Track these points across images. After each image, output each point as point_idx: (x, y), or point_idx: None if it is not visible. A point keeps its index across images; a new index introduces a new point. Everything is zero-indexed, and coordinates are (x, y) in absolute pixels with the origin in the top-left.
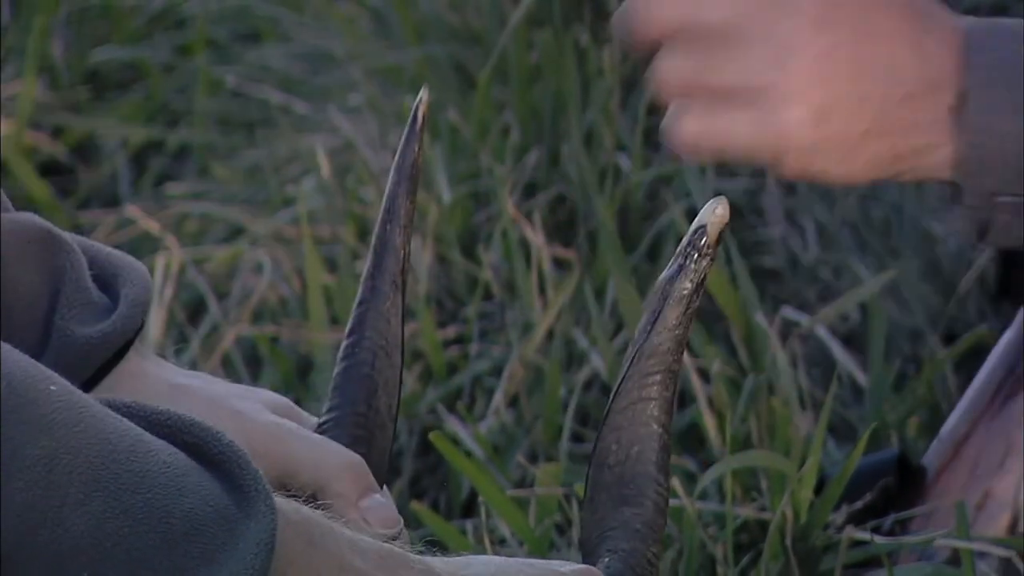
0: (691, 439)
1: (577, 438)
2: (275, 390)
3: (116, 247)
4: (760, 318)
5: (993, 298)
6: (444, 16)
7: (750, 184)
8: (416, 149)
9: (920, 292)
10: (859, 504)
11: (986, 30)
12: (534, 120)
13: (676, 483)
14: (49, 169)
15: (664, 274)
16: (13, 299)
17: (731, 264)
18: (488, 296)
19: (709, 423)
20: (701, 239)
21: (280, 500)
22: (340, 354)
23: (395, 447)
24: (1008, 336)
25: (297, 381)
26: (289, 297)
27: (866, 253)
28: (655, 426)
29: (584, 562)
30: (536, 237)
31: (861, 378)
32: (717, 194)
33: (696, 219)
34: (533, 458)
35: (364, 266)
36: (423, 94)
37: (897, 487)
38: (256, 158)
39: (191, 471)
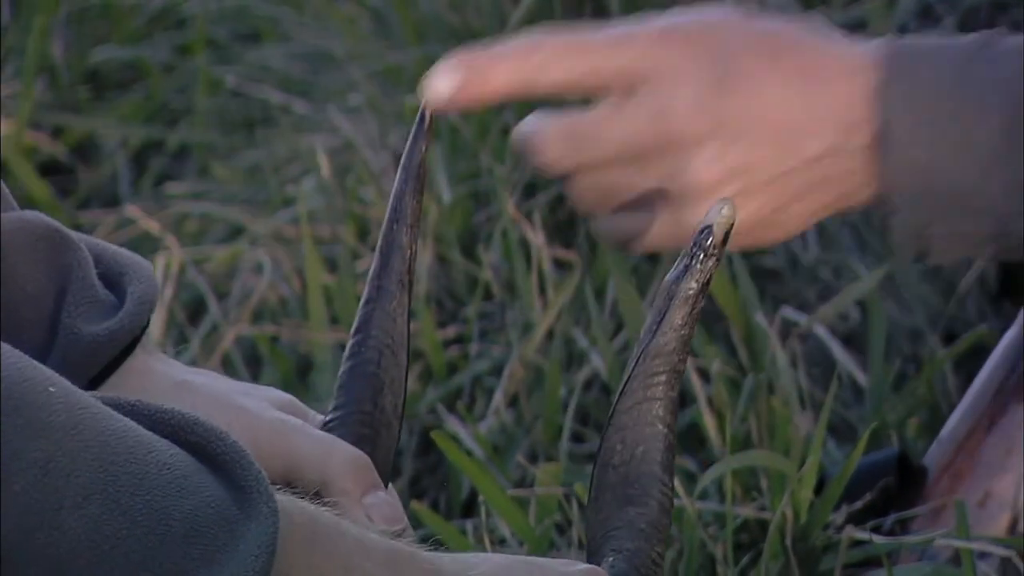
0: (691, 439)
1: (577, 438)
2: None
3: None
4: (760, 318)
5: (993, 298)
6: (444, 16)
7: None
8: (423, 148)
9: (920, 292)
10: (859, 504)
11: (898, 55)
12: None
13: (676, 483)
14: (49, 169)
15: (670, 274)
16: (20, 297)
17: (731, 264)
18: (488, 296)
19: (709, 423)
20: (707, 239)
21: (285, 499)
22: (346, 353)
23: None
24: (1009, 336)
25: (297, 381)
26: (289, 297)
27: (866, 253)
28: (660, 426)
29: (588, 562)
30: (536, 237)
31: (861, 378)
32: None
33: (703, 219)
34: (533, 458)
35: (367, 265)
36: None
37: (897, 487)
38: (256, 158)
39: (192, 472)
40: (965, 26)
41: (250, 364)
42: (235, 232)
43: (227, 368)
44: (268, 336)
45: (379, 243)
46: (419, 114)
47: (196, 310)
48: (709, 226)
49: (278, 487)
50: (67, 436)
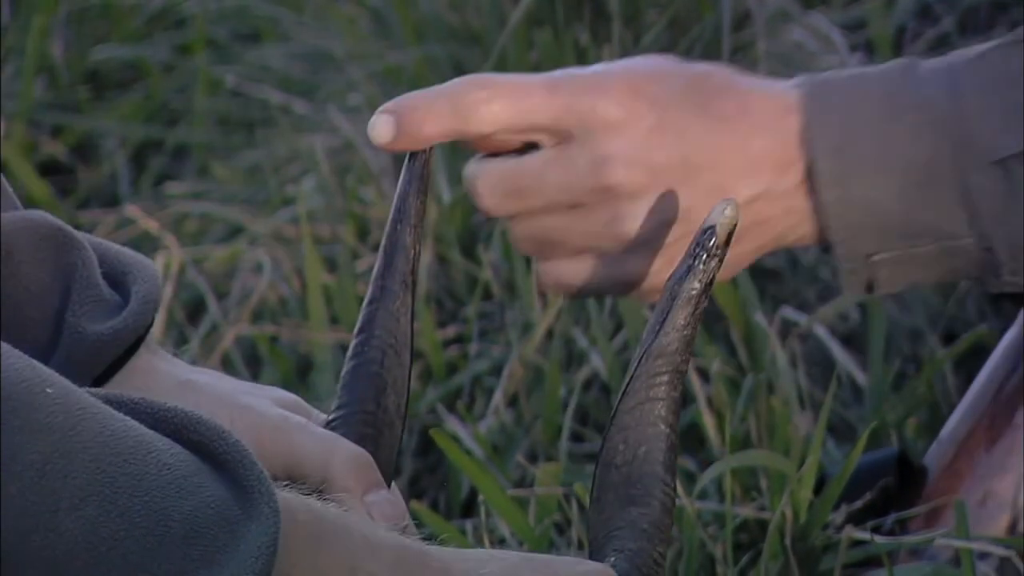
0: (690, 438)
1: (577, 438)
2: None
3: None
4: (760, 318)
5: (993, 298)
6: (444, 16)
7: None
8: (427, 149)
9: (920, 292)
10: (859, 504)
11: (818, 93)
12: None
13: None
14: (49, 169)
15: (673, 275)
16: (25, 296)
17: None
18: (488, 296)
19: (708, 422)
20: (710, 240)
21: (289, 497)
22: (349, 352)
23: None
24: (1009, 336)
25: (297, 381)
26: (289, 297)
27: None
28: (662, 426)
29: None
30: None
31: (860, 378)
32: None
33: (705, 220)
34: (533, 458)
35: (367, 265)
36: None
37: (897, 486)
38: (256, 158)
39: (194, 472)
40: (964, 26)
41: (250, 364)
42: (235, 232)
43: (227, 368)
44: (268, 336)
45: (383, 243)
46: None
47: (196, 310)
48: (712, 227)
49: (284, 484)
50: (64, 437)
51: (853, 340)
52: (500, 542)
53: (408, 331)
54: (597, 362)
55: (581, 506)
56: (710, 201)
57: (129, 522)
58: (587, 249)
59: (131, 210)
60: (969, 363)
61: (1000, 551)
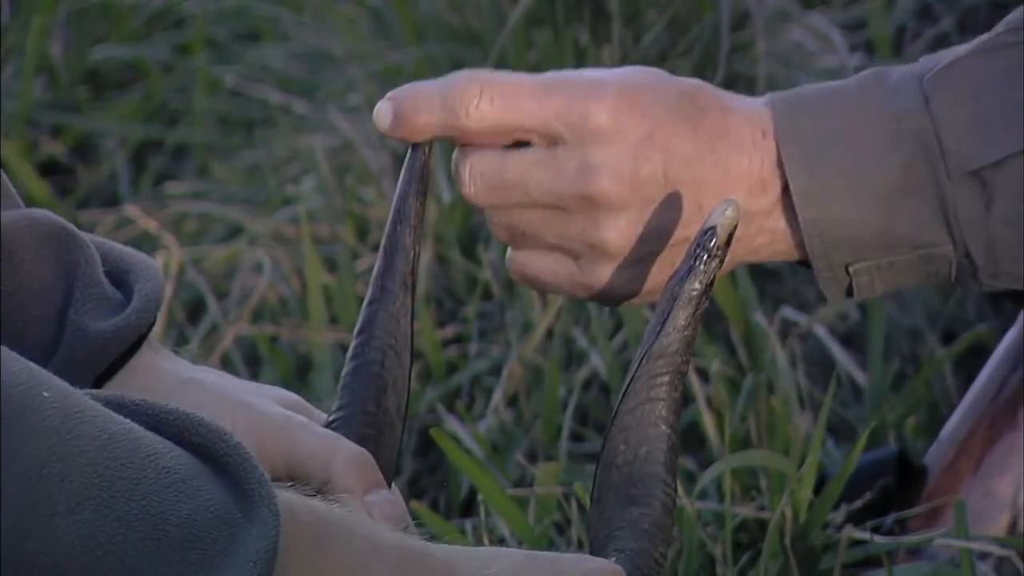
0: (690, 438)
1: (576, 437)
2: None
3: None
4: (759, 318)
5: (993, 297)
6: (443, 16)
7: None
8: (427, 150)
9: (919, 291)
10: (858, 503)
11: (791, 110)
12: None
13: None
14: (48, 168)
15: (673, 275)
16: (28, 294)
17: None
18: (487, 296)
19: (708, 422)
20: (711, 240)
21: (292, 498)
22: (349, 353)
23: None
24: (1010, 336)
25: (296, 381)
26: (288, 297)
27: None
28: (663, 427)
29: None
30: None
31: (860, 377)
32: None
33: (706, 220)
34: (532, 457)
35: (367, 265)
36: None
37: (896, 486)
38: (255, 158)
39: (194, 475)
40: (964, 26)
41: (250, 364)
42: (234, 232)
43: (226, 368)
44: (267, 336)
45: (382, 244)
46: None
47: (195, 310)
48: (713, 227)
49: (288, 484)
50: (61, 441)
51: (853, 340)
52: (500, 542)
53: (408, 332)
54: (597, 362)
55: (581, 506)
56: (690, 216)
57: (126, 526)
58: (558, 248)
59: (131, 210)
60: (969, 363)
61: (999, 551)
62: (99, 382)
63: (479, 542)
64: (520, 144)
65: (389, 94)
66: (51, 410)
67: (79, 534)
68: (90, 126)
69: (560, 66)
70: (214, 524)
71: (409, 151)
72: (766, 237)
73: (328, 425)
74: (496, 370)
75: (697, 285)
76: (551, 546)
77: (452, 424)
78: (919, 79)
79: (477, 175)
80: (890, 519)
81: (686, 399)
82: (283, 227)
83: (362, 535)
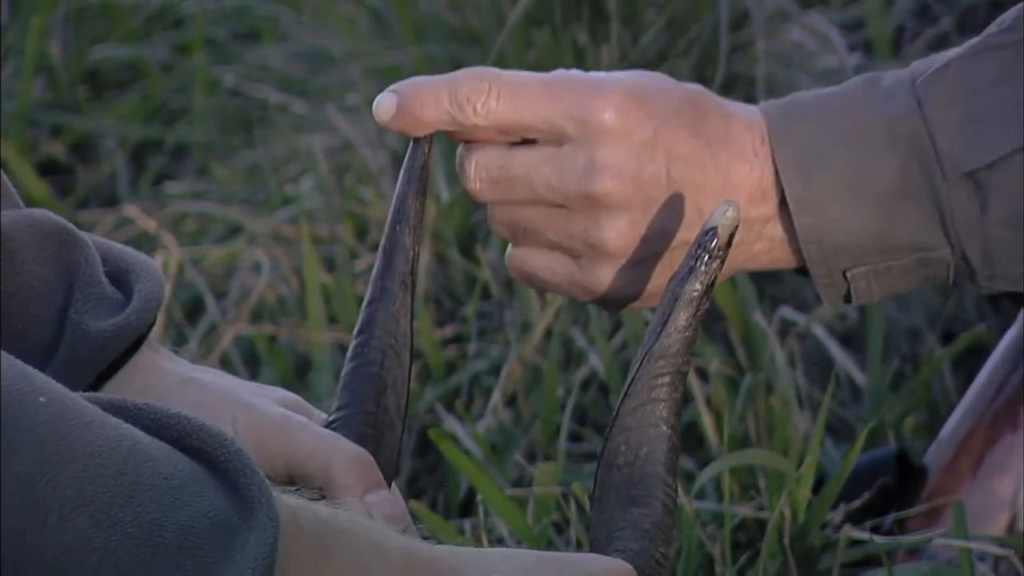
0: (689, 438)
1: (575, 437)
2: None
3: None
4: (758, 317)
5: (992, 297)
6: (443, 15)
7: None
8: (426, 150)
9: (918, 291)
10: (857, 503)
11: (786, 118)
12: None
13: None
14: (48, 168)
15: (674, 276)
16: (28, 293)
17: None
18: (486, 295)
19: (707, 422)
20: (712, 241)
21: (295, 503)
22: (349, 353)
23: None
24: (1009, 336)
25: (295, 380)
26: (287, 296)
27: None
28: (664, 427)
29: None
30: None
31: (859, 377)
32: None
33: (707, 221)
34: (531, 457)
35: (366, 264)
36: None
37: (896, 486)
38: (255, 157)
39: (192, 481)
40: (963, 26)
41: (249, 364)
42: (233, 231)
43: (225, 368)
44: (266, 335)
45: (382, 244)
46: None
47: (194, 309)
48: (714, 228)
49: (292, 489)
50: (55, 447)
51: (852, 339)
52: (498, 541)
53: (408, 332)
54: (595, 362)
55: (579, 506)
56: (690, 221)
57: (121, 532)
58: (559, 247)
59: (130, 210)
60: (968, 362)
61: (999, 551)
62: (99, 381)
63: (478, 542)
64: (525, 142)
65: (392, 87)
66: (46, 416)
67: (73, 540)
68: (89, 126)
69: (559, 66)
70: (211, 530)
71: (409, 150)
72: (765, 244)
73: (328, 425)
74: (495, 370)
75: (698, 286)
76: (550, 546)
77: (451, 424)
78: (912, 83)
79: (482, 170)
80: (889, 519)
81: (684, 399)
82: (282, 227)
83: (367, 540)
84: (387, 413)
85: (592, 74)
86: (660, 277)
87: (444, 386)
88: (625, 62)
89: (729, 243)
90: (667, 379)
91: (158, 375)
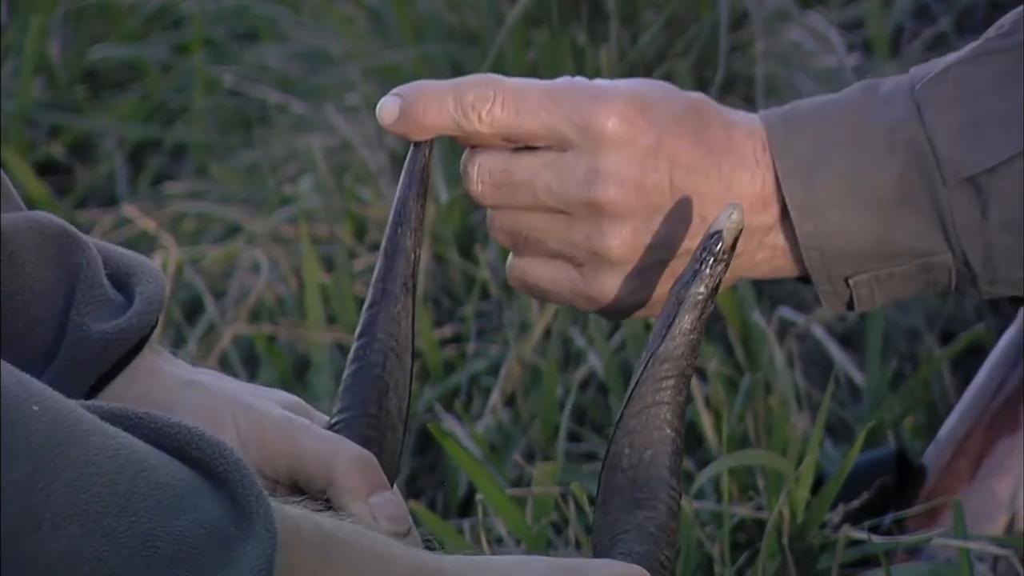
0: (688, 438)
1: (574, 437)
2: None
3: None
4: (757, 317)
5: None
6: (442, 15)
7: None
8: (426, 153)
9: None
10: (856, 503)
11: (786, 126)
12: None
13: None
14: (46, 168)
15: (679, 279)
16: (30, 295)
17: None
18: (485, 295)
19: (706, 422)
20: (716, 244)
21: (296, 513)
22: (350, 356)
23: None
24: (1009, 336)
25: (294, 380)
26: (286, 296)
27: None
28: (668, 430)
29: None
30: None
31: (858, 377)
32: None
33: (711, 224)
34: (530, 457)
35: (365, 264)
36: None
37: (895, 486)
38: (254, 157)
39: (190, 491)
40: (962, 26)
41: (248, 364)
42: (232, 231)
43: (225, 368)
44: (265, 335)
45: (383, 246)
46: None
47: (193, 310)
48: (719, 231)
49: (298, 500)
50: (49, 456)
51: (851, 340)
52: (498, 541)
53: (409, 334)
54: (595, 362)
55: (578, 505)
56: (693, 229)
57: (114, 542)
58: (561, 255)
59: (129, 210)
60: (967, 362)
61: (997, 551)
62: (100, 384)
63: (477, 542)
64: (529, 148)
65: (395, 90)
66: (39, 424)
67: (65, 549)
68: (88, 126)
69: (558, 66)
70: (207, 541)
71: (410, 153)
72: (767, 253)
73: (330, 427)
74: (494, 370)
75: (702, 289)
76: (549, 545)
77: (450, 423)
78: (911, 89)
79: (485, 173)
80: (888, 519)
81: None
82: (281, 227)
83: (371, 551)
84: (389, 416)
85: (595, 82)
86: (664, 286)
87: (443, 386)
88: (624, 62)
89: (734, 246)
90: (671, 382)
91: (159, 378)
